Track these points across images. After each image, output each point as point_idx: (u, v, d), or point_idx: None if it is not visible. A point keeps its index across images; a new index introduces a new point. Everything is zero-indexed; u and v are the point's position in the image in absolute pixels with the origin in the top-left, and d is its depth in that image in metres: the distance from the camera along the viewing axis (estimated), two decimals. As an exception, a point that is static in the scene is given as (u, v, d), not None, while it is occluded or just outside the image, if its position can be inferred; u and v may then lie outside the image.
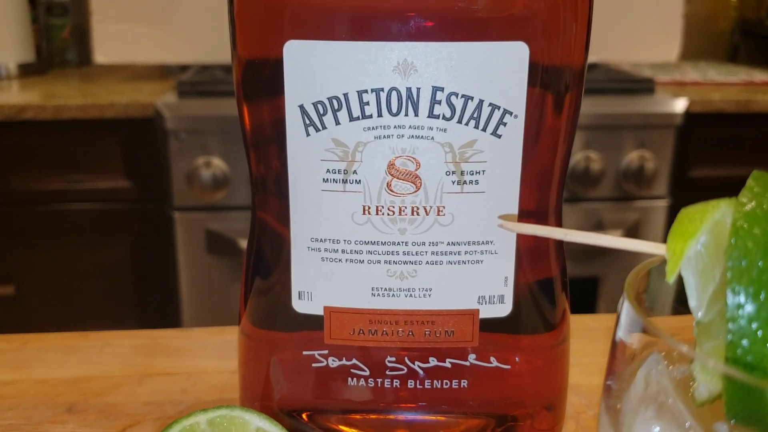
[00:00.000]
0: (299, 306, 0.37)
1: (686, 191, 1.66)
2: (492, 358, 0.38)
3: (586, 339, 0.57)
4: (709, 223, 0.22)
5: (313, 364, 0.38)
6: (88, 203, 1.70)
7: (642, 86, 1.69)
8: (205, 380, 0.53)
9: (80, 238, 1.70)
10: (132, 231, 1.73)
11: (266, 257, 0.38)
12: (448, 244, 0.35)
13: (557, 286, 0.39)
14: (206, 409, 0.38)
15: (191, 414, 0.37)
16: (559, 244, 0.40)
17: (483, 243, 0.35)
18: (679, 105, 1.60)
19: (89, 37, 1.90)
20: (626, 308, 0.22)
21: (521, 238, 0.36)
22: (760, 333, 0.20)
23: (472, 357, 0.37)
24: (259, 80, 0.35)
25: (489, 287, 0.36)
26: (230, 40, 0.35)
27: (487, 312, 0.37)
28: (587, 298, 1.64)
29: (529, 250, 0.37)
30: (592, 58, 1.61)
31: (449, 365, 0.38)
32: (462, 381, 0.38)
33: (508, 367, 0.38)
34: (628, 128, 1.60)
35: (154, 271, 1.73)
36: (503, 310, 0.37)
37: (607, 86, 1.68)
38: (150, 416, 0.48)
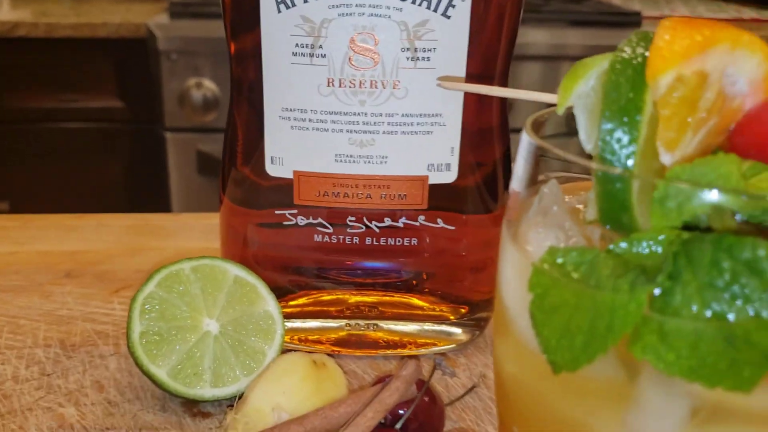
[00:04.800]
0: (272, 170, 0.42)
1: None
2: (439, 220, 0.43)
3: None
4: (597, 69, 0.27)
5: (284, 223, 0.43)
6: (81, 122, 1.73)
7: (629, 19, 1.71)
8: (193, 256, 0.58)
9: (73, 156, 1.74)
10: (124, 151, 1.76)
11: (241, 138, 0.43)
12: (403, 115, 0.40)
13: (499, 178, 0.44)
14: (191, 258, 0.43)
15: (177, 262, 0.43)
16: (504, 129, 0.45)
17: (433, 115, 0.40)
18: (663, 38, 1.62)
19: (81, -44, 1.89)
20: (525, 141, 0.27)
21: (466, 114, 0.41)
22: (622, 150, 0.25)
23: (421, 218, 0.43)
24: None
25: (437, 156, 0.41)
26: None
27: (436, 178, 0.42)
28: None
29: (473, 128, 0.42)
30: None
31: (402, 225, 0.43)
32: (412, 239, 0.43)
33: (453, 228, 0.43)
34: (612, 60, 1.62)
35: (146, 190, 1.77)
36: (449, 177, 0.42)
37: (595, 18, 1.70)
38: (141, 281, 0.54)
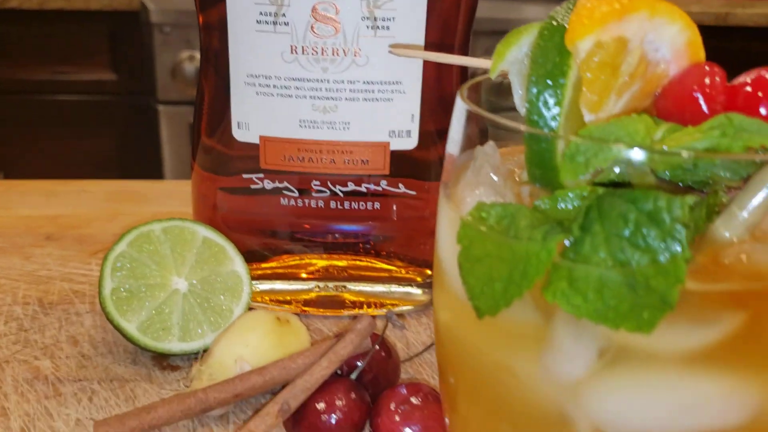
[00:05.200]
0: (239, 135, 0.44)
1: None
2: (401, 185, 0.45)
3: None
4: (531, 36, 0.28)
5: (251, 186, 0.45)
6: (75, 95, 1.74)
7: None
8: (170, 221, 0.60)
9: (66, 128, 1.75)
10: (117, 123, 1.77)
11: (210, 106, 0.45)
12: (364, 83, 0.42)
13: None
14: (161, 220, 0.45)
15: (148, 222, 0.45)
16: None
17: (393, 83, 0.42)
18: (654, 15, 1.62)
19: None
20: (458, 105, 0.28)
21: (426, 81, 0.42)
22: (548, 113, 0.27)
23: (384, 183, 0.44)
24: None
25: (398, 122, 0.43)
26: None
27: (397, 144, 0.43)
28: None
29: (433, 96, 0.43)
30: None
31: (365, 190, 0.45)
32: (375, 203, 0.45)
33: (414, 193, 0.45)
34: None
35: (139, 162, 1.79)
36: (410, 143, 0.44)
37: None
38: (119, 244, 0.56)
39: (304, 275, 0.49)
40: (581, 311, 0.23)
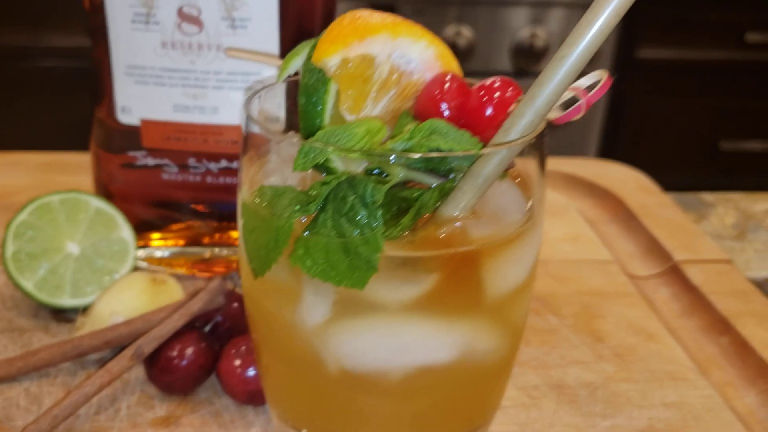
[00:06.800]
0: (123, 118, 0.50)
1: (631, 71, 1.64)
2: (267, 163, 0.51)
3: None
4: (310, 49, 0.34)
5: (136, 163, 0.51)
6: (54, 59, 1.78)
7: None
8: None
9: (46, 94, 1.79)
10: (93, 90, 1.82)
11: (100, 88, 0.51)
12: (227, 73, 0.48)
13: None
14: (60, 192, 0.51)
15: (48, 194, 0.51)
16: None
17: (253, 73, 0.48)
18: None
19: None
20: (241, 113, 0.34)
21: (284, 72, 0.48)
22: (314, 116, 0.33)
23: (253, 161, 0.51)
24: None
25: (261, 108, 0.49)
26: None
27: (262, 128, 0.50)
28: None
29: (299, 84, 0.49)
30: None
31: (236, 166, 0.51)
32: (246, 179, 0.51)
33: (280, 170, 0.51)
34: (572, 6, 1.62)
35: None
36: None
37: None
38: (41, 212, 0.62)
39: (199, 241, 0.56)
40: (312, 271, 0.30)
